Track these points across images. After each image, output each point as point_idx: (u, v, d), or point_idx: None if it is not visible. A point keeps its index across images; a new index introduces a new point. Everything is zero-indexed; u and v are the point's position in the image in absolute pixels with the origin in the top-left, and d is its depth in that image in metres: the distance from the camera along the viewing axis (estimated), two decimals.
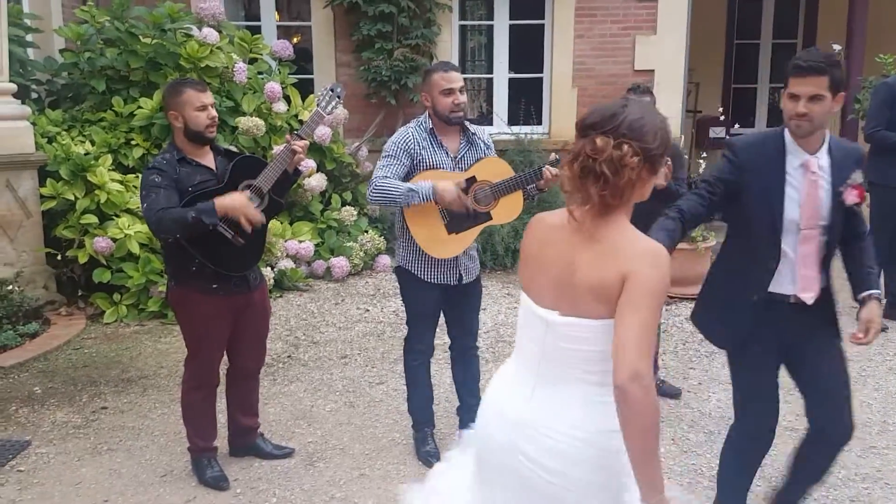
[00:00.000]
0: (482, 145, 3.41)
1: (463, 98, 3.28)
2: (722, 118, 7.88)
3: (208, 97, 3.11)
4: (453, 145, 3.36)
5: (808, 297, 2.56)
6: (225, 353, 3.37)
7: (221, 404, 3.50)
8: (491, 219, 3.34)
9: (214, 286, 3.14)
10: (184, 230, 2.97)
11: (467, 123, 3.42)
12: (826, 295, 2.61)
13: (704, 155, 6.72)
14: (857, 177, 2.51)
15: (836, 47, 6.89)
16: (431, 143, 3.31)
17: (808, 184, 2.50)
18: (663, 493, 1.65)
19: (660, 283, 1.64)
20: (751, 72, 9.68)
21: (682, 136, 7.44)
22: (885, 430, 3.84)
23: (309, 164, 6.44)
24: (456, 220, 3.29)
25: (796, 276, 2.55)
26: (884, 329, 4.87)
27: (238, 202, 3.02)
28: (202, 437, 3.38)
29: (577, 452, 1.74)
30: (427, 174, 3.27)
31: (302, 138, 3.20)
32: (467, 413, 3.70)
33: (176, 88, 3.10)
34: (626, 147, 1.65)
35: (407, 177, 3.28)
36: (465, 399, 3.68)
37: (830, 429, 2.62)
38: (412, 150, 3.28)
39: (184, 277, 3.15)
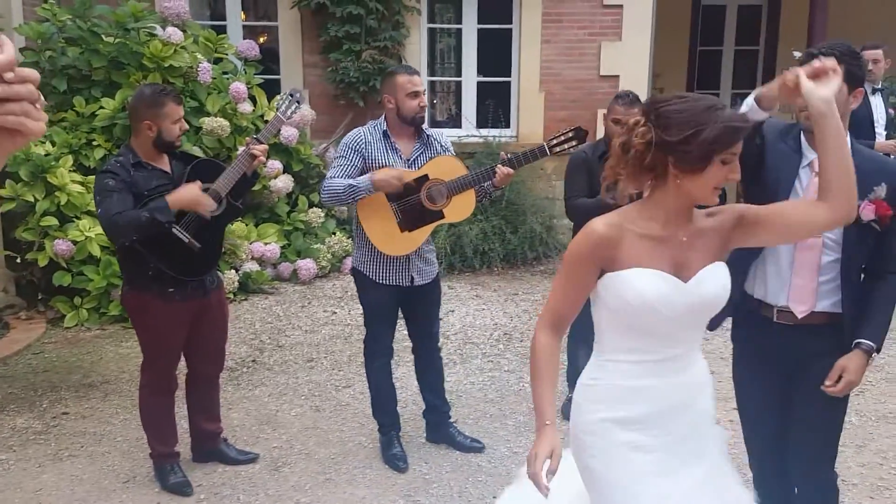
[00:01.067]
0: (438, 147, 3.44)
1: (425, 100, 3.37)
2: None
3: (182, 109, 3.14)
4: (407, 147, 3.39)
5: (801, 310, 2.30)
6: (183, 357, 3.35)
7: (183, 410, 3.47)
8: (443, 217, 3.36)
9: (171, 290, 3.12)
10: (139, 231, 2.95)
11: (423, 127, 3.46)
12: (841, 325, 2.29)
13: None
14: (882, 192, 2.23)
15: (797, 54, 7.03)
16: (385, 145, 3.34)
17: (812, 185, 2.25)
18: (545, 423, 1.82)
19: (570, 251, 1.87)
20: (713, 78, 9.87)
21: None
22: None
23: (275, 165, 6.40)
24: (408, 218, 3.32)
25: (790, 284, 2.30)
26: None
27: (190, 193, 3.03)
28: (163, 442, 3.34)
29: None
30: (379, 173, 3.29)
31: (261, 142, 3.20)
32: (433, 415, 3.71)
33: (157, 99, 3.06)
34: (640, 129, 1.75)
35: (360, 176, 3.30)
36: (429, 401, 3.69)
37: (800, 488, 2.44)
38: (363, 151, 3.32)
39: (140, 282, 3.13)
